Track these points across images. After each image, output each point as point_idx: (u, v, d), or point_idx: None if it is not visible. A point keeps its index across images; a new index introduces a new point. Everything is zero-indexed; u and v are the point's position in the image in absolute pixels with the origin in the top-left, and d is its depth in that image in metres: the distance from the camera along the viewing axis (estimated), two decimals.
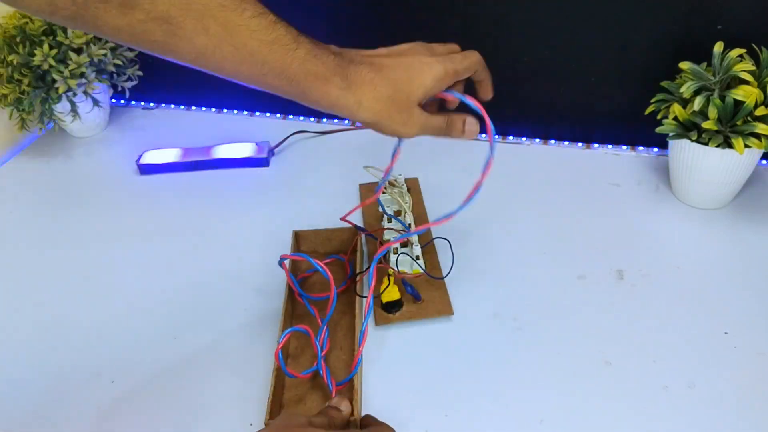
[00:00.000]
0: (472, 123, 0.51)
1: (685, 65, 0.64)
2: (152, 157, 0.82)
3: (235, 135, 0.86)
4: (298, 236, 0.64)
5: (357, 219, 0.69)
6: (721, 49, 0.62)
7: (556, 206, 0.71)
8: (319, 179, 0.79)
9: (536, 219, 0.69)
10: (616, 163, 0.77)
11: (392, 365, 0.54)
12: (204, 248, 0.69)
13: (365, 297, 0.54)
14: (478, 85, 0.53)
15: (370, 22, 0.80)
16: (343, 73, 0.44)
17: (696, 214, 0.68)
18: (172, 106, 0.97)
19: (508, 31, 0.75)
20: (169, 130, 0.91)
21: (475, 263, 0.63)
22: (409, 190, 0.72)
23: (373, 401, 0.51)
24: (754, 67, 0.61)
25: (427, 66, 0.47)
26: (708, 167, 0.64)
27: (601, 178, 0.74)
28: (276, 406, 0.50)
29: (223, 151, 0.82)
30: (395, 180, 0.71)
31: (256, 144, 0.83)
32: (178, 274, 0.66)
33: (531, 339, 0.56)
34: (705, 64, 0.64)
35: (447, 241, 0.62)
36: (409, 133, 0.48)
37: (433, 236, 0.66)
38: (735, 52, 0.61)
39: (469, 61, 0.50)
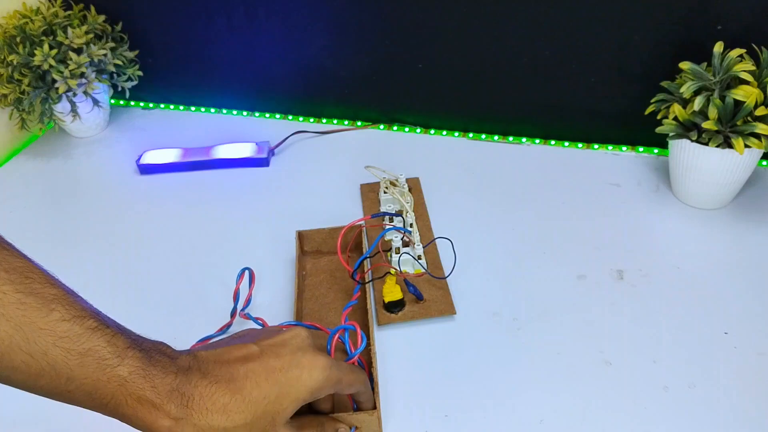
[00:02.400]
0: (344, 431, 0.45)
1: (685, 65, 0.64)
2: (152, 157, 0.82)
3: (235, 135, 0.86)
4: (301, 236, 0.64)
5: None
6: (721, 49, 0.62)
7: (556, 206, 0.71)
8: (319, 179, 0.79)
9: (536, 219, 0.69)
10: (616, 163, 0.77)
11: (392, 365, 0.54)
12: (204, 248, 0.69)
13: (367, 285, 0.54)
14: (359, 405, 0.47)
15: (370, 22, 0.80)
16: (182, 399, 0.35)
17: (696, 214, 0.68)
18: (172, 106, 0.97)
19: (508, 31, 0.75)
20: (169, 130, 0.91)
21: (475, 263, 0.63)
22: (410, 189, 0.72)
23: None
24: (754, 67, 0.61)
25: (307, 372, 0.39)
26: (708, 167, 0.64)
27: (601, 178, 0.74)
28: None
29: (223, 151, 0.82)
30: (397, 180, 0.71)
31: (256, 144, 0.83)
32: (177, 274, 0.66)
33: (531, 339, 0.56)
34: (705, 64, 0.64)
35: (449, 241, 0.62)
36: None
37: (435, 236, 0.66)
38: (735, 52, 0.61)
39: (356, 377, 0.43)
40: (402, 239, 0.62)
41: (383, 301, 0.58)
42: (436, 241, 0.65)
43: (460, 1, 0.74)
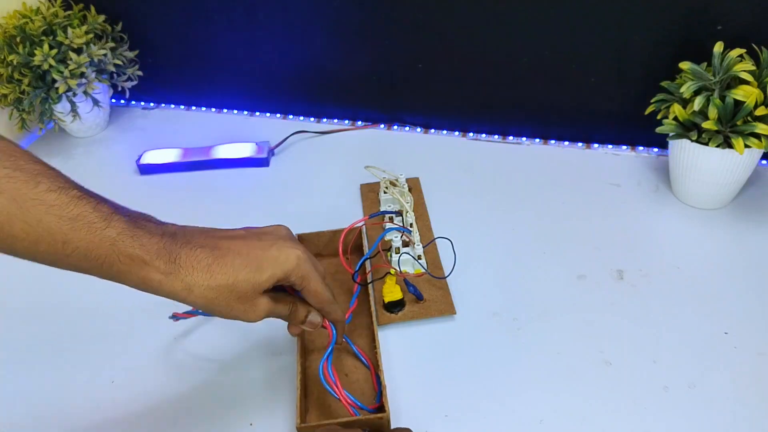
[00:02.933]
0: (314, 316, 0.47)
1: (685, 65, 0.64)
2: (152, 157, 0.82)
3: (235, 135, 0.86)
4: (302, 239, 0.64)
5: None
6: (721, 49, 0.62)
7: (556, 206, 0.71)
8: (319, 179, 0.79)
9: (536, 219, 0.69)
10: (616, 163, 0.77)
11: (392, 365, 0.54)
12: None
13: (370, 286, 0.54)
14: (326, 315, 0.49)
15: (370, 22, 0.80)
16: (170, 256, 0.39)
17: (696, 214, 0.68)
18: (172, 106, 0.97)
19: (508, 31, 0.75)
20: (169, 130, 0.91)
21: (475, 263, 0.63)
22: (410, 189, 0.72)
23: None
24: (754, 67, 0.61)
25: (284, 255, 0.43)
26: (708, 167, 0.64)
27: (601, 178, 0.74)
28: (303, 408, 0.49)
29: (223, 151, 0.82)
30: (396, 180, 0.71)
31: (256, 144, 0.83)
32: None
33: (531, 339, 0.56)
34: (705, 64, 0.64)
35: (449, 241, 0.62)
36: (249, 319, 0.43)
37: (435, 236, 0.66)
38: (735, 52, 0.61)
39: (322, 289, 0.46)
40: (402, 239, 0.62)
41: (383, 301, 0.58)
42: (436, 240, 0.65)
43: (460, 1, 0.74)
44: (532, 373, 0.53)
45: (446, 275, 0.60)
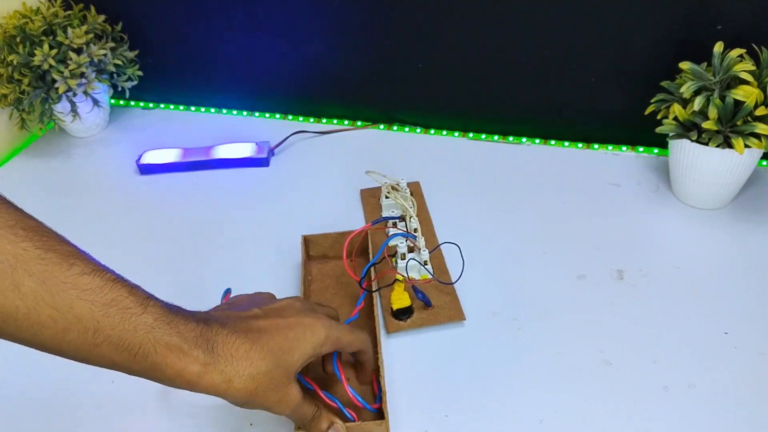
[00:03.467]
0: (338, 429, 0.44)
1: (685, 65, 0.64)
2: (152, 157, 0.82)
3: (235, 135, 0.86)
4: (306, 241, 0.63)
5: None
6: (721, 49, 0.62)
7: (556, 206, 0.71)
8: (319, 179, 0.78)
9: (536, 219, 0.69)
10: (616, 163, 0.77)
11: (392, 365, 0.54)
12: (204, 248, 0.69)
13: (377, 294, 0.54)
14: (359, 366, 0.49)
15: (370, 22, 0.80)
16: (208, 345, 0.36)
17: (696, 214, 0.68)
18: (172, 106, 0.97)
19: (508, 31, 0.75)
20: (169, 130, 0.91)
21: (475, 263, 0.63)
22: (412, 193, 0.71)
23: None
24: (754, 67, 0.61)
25: (310, 330, 0.41)
26: (708, 167, 0.64)
27: (601, 178, 0.74)
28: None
29: (223, 151, 0.82)
30: (398, 184, 0.70)
31: (256, 144, 0.83)
32: (177, 274, 0.66)
33: (531, 339, 0.56)
34: (705, 64, 0.64)
35: (456, 246, 0.61)
36: (281, 409, 0.40)
37: (440, 241, 0.65)
38: (735, 52, 0.61)
39: (355, 338, 0.45)
40: (407, 245, 0.61)
41: (391, 308, 0.57)
42: (441, 245, 0.64)
43: (460, 2, 0.74)
44: (532, 373, 0.53)
45: (454, 281, 0.59)
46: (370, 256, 0.60)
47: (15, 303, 0.31)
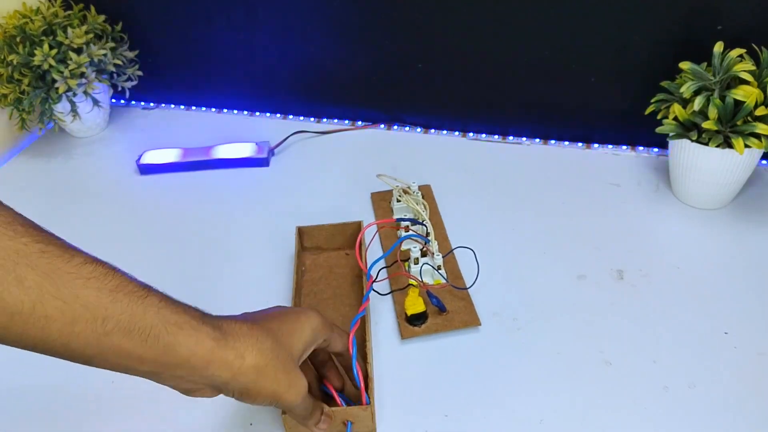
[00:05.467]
0: (329, 414, 0.46)
1: (685, 65, 0.64)
2: (152, 157, 0.82)
3: (235, 135, 0.86)
4: (301, 232, 0.64)
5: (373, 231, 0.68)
6: (721, 49, 0.62)
7: (556, 206, 0.71)
8: (319, 179, 0.79)
9: (536, 219, 0.69)
10: (616, 163, 0.77)
11: (390, 365, 0.54)
12: (204, 248, 0.69)
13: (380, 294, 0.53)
14: (332, 371, 0.49)
15: (370, 22, 0.80)
16: (213, 323, 0.37)
17: (696, 214, 0.68)
18: (172, 106, 0.97)
19: (508, 31, 0.75)
20: (169, 130, 0.91)
21: (475, 263, 0.63)
22: (423, 197, 0.69)
23: None
24: (754, 67, 0.61)
25: (305, 315, 0.43)
26: (708, 167, 0.64)
27: (601, 178, 0.74)
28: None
29: (223, 151, 0.82)
30: (409, 188, 0.69)
31: (256, 144, 0.83)
32: (177, 273, 0.66)
33: (531, 339, 0.56)
34: (705, 64, 0.64)
35: (471, 251, 0.60)
36: (292, 399, 0.40)
37: (453, 246, 0.64)
38: (735, 52, 0.61)
39: (342, 332, 0.47)
40: (421, 249, 0.60)
41: (405, 314, 0.57)
42: (453, 249, 0.63)
43: (460, 1, 0.74)
44: (532, 373, 0.53)
45: (468, 286, 0.59)
46: (365, 249, 0.60)
47: (20, 298, 0.30)
